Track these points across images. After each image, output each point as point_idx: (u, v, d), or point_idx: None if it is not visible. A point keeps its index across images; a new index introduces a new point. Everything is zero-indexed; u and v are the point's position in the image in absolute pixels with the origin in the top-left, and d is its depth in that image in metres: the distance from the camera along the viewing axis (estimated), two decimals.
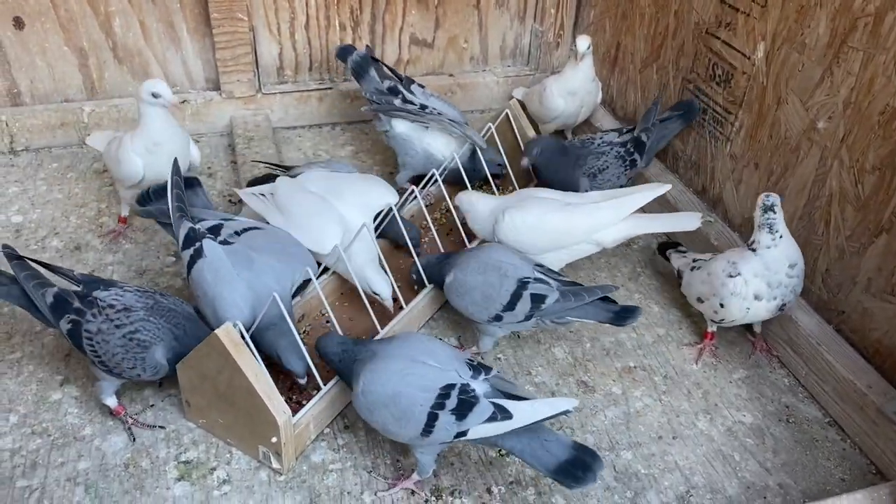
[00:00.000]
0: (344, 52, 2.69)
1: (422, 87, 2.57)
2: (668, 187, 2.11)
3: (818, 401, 1.93)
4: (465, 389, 1.54)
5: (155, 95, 2.07)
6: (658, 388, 1.96)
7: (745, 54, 2.16)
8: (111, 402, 1.76)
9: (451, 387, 1.54)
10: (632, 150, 2.34)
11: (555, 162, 2.35)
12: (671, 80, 2.52)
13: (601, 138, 2.39)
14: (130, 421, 1.77)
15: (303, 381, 1.75)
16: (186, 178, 1.97)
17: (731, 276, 1.86)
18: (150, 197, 2.01)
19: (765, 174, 2.15)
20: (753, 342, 2.05)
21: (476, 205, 2.16)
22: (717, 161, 2.35)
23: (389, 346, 1.64)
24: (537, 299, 1.86)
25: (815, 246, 2.01)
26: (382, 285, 1.98)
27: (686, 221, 2.09)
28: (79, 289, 1.73)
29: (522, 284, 1.87)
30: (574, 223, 2.05)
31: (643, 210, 2.10)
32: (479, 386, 1.56)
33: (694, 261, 2.06)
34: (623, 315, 1.89)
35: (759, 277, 1.84)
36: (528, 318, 1.88)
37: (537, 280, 1.88)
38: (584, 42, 2.54)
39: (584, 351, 2.05)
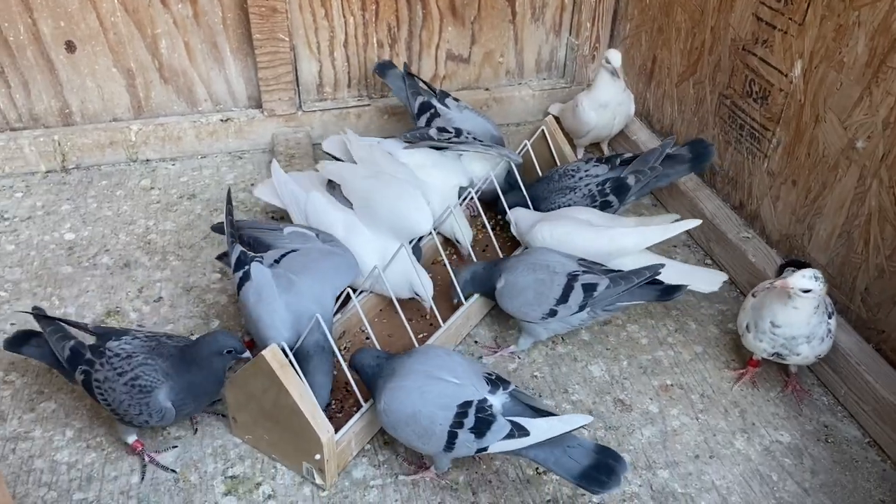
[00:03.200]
0: (382, 67, 2.76)
1: (456, 100, 2.62)
2: (697, 222, 2.16)
3: (857, 420, 1.92)
4: (482, 407, 1.57)
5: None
6: (695, 407, 1.97)
7: (782, 71, 2.15)
8: (130, 439, 1.77)
9: (468, 404, 1.58)
10: (607, 191, 2.31)
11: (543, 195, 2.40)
12: (707, 94, 2.52)
13: (585, 171, 2.36)
14: (147, 459, 1.77)
15: None
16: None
17: (753, 296, 1.94)
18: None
19: (802, 192, 2.14)
20: (787, 380, 2.02)
21: (521, 214, 2.33)
22: (754, 177, 2.34)
23: (408, 362, 1.68)
24: (589, 288, 1.93)
25: (854, 265, 2.00)
26: (425, 287, 2.03)
27: (709, 281, 2.12)
28: (94, 341, 1.75)
29: (573, 277, 1.95)
30: (596, 244, 2.12)
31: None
32: (498, 400, 1.60)
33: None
34: (669, 291, 1.97)
35: (746, 311, 1.93)
36: (581, 308, 1.94)
37: (585, 272, 1.96)
38: (616, 56, 2.61)
39: (621, 369, 2.07)
